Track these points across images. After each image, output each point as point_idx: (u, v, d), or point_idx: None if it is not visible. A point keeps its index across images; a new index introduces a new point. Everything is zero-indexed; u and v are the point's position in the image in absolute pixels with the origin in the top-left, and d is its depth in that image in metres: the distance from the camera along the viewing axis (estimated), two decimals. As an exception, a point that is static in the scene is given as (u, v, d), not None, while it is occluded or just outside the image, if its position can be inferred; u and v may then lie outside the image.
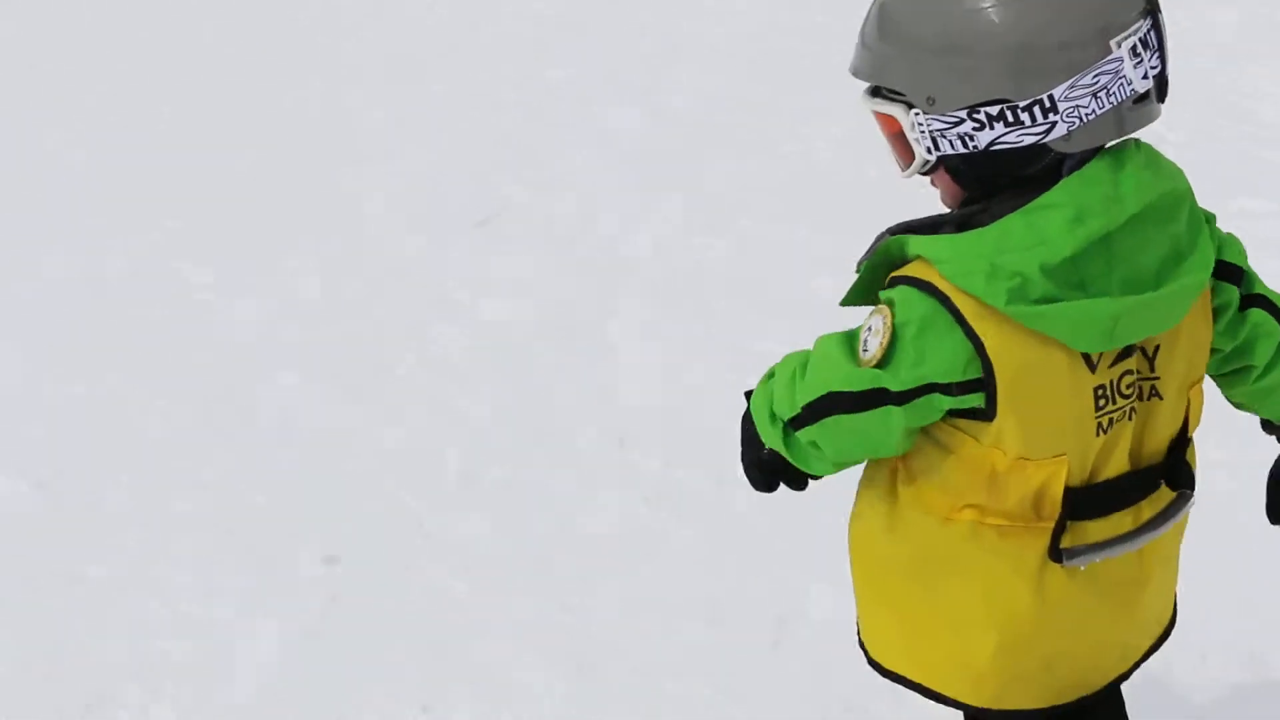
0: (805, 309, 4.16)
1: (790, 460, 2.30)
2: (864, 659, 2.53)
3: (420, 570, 4.05)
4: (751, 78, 7.01)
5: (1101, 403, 2.14)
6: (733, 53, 7.33)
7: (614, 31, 7.83)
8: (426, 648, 3.77)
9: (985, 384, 2.08)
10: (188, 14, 8.50)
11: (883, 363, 2.09)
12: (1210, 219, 2.23)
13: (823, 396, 2.16)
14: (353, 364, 5.05)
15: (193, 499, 4.40)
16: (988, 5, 2.00)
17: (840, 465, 2.27)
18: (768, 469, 2.37)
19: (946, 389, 2.09)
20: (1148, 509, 2.28)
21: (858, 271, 2.21)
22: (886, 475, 2.31)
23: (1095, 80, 1.99)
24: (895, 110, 2.11)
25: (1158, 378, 2.20)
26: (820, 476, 2.34)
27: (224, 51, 7.92)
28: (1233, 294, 2.26)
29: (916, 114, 2.07)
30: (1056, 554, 2.23)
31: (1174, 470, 2.29)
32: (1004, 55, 1.99)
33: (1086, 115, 2.00)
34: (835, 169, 6.09)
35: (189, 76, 7.64)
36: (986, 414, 2.11)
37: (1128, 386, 2.16)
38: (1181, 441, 2.29)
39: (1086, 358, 2.10)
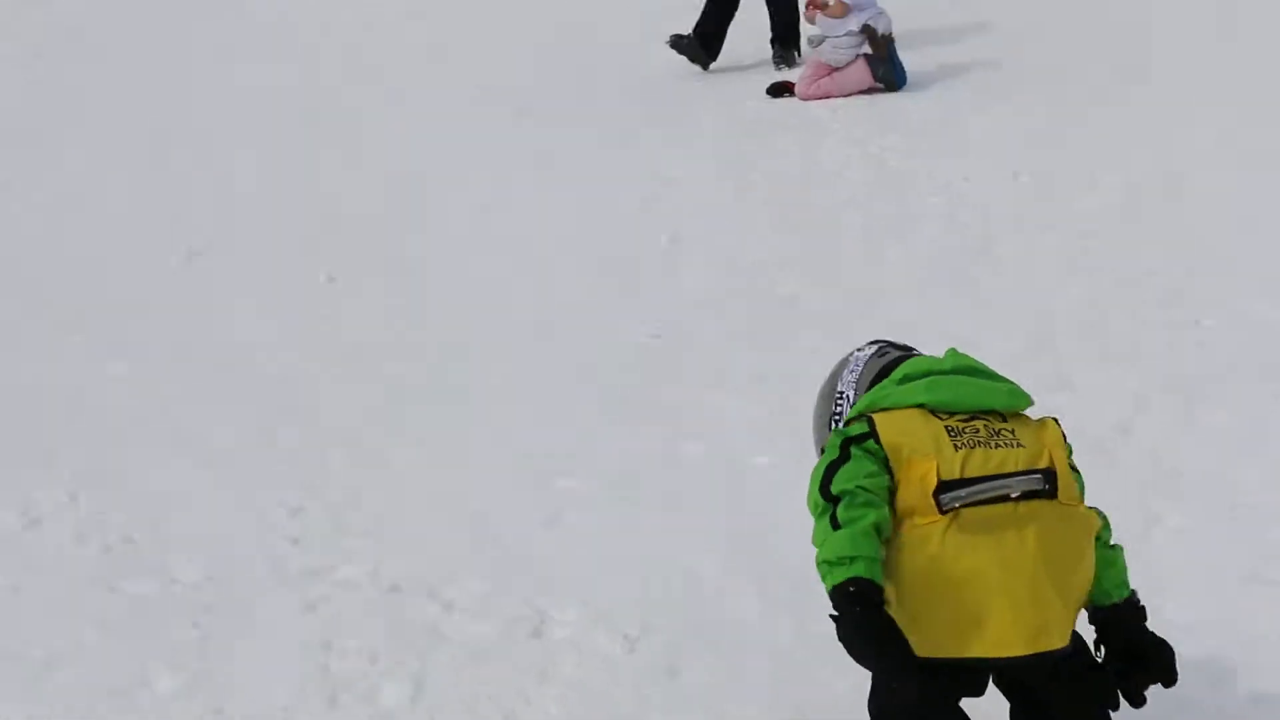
0: None
1: (864, 572, 3.47)
2: None
3: None
4: None
5: (953, 434, 3.62)
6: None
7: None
8: None
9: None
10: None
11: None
12: None
13: (822, 481, 3.64)
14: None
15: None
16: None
17: (874, 499, 3.56)
18: (869, 629, 3.48)
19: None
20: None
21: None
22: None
23: None
24: None
25: (1013, 431, 3.67)
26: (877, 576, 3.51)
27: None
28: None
29: None
30: (937, 502, 3.55)
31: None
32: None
33: None
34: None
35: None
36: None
37: (972, 431, 3.63)
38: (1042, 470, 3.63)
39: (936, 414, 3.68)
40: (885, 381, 3.81)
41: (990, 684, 3.79)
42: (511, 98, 11.41)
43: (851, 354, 4.02)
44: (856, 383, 3.91)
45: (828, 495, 3.63)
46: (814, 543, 3.65)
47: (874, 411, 3.73)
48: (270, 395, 7.05)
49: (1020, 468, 3.64)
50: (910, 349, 4.01)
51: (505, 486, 6.09)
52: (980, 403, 3.74)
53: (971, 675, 3.69)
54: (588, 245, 8.75)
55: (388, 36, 13.33)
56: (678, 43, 11.82)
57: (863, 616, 3.49)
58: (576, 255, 8.62)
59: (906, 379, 3.78)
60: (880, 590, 3.53)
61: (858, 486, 3.59)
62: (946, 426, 3.67)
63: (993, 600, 3.54)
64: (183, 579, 5.54)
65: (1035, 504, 3.62)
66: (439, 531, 5.78)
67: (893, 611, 3.55)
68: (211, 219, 9.42)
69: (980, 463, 3.61)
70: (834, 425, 3.91)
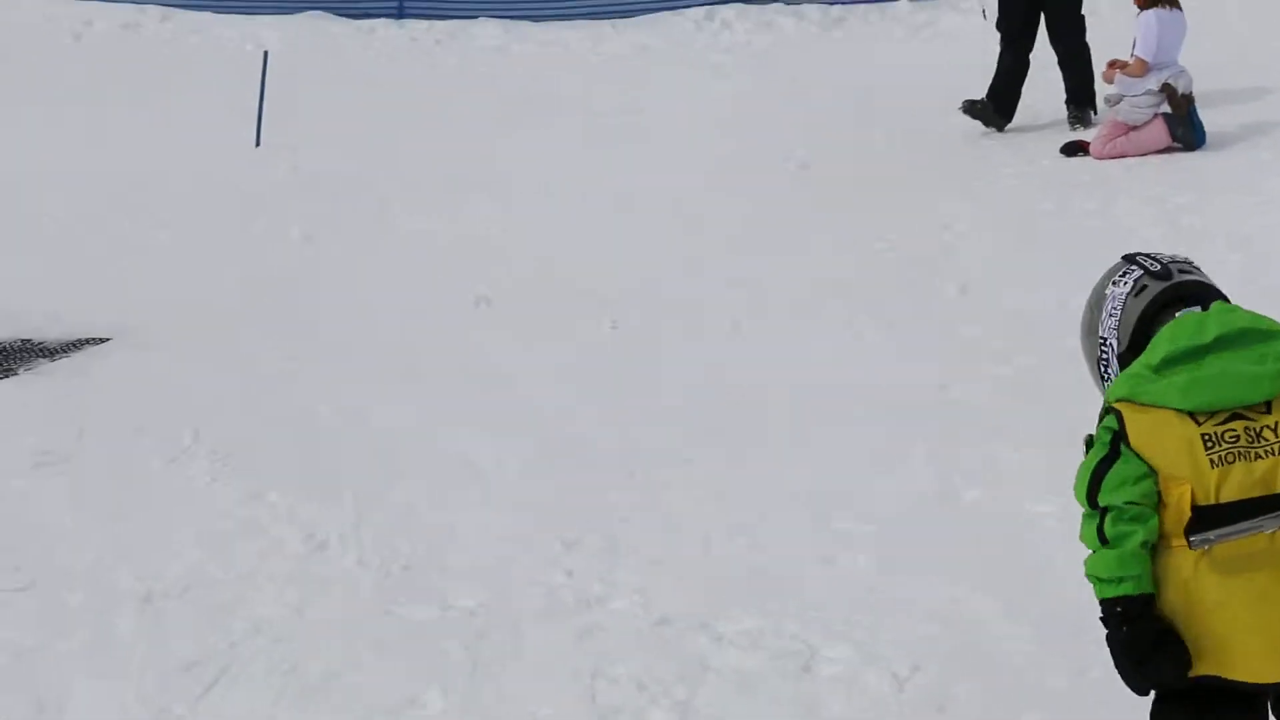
0: None
1: (1132, 590, 3.45)
2: None
3: None
4: None
5: (1209, 445, 3.47)
6: None
7: None
8: None
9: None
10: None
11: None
12: None
13: (1089, 485, 3.50)
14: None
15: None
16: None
17: (1141, 511, 3.46)
18: (1134, 648, 3.46)
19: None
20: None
21: None
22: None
23: None
24: None
25: (1275, 427, 3.48)
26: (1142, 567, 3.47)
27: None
28: None
29: None
30: (1188, 540, 3.45)
31: None
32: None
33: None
34: None
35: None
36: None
37: (1230, 438, 3.46)
38: None
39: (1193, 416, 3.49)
40: (1141, 364, 3.56)
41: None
42: (798, 160, 11.43)
43: (1107, 289, 3.72)
44: (1119, 328, 3.67)
45: (1095, 504, 3.53)
46: (1081, 539, 3.59)
47: (1129, 402, 3.53)
48: (549, 432, 7.17)
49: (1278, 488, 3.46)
50: (1168, 271, 3.69)
51: (780, 524, 6.08)
52: (1242, 399, 3.51)
53: (1246, 701, 3.56)
54: (877, 294, 8.71)
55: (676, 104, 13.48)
56: (971, 108, 11.71)
57: (1128, 635, 3.50)
58: (865, 302, 8.59)
59: (1166, 364, 3.53)
60: (1150, 600, 3.50)
61: (1126, 502, 3.49)
62: (1203, 434, 3.48)
63: (1241, 635, 3.48)
64: (458, 605, 5.67)
65: None
66: (711, 566, 5.80)
67: None
68: (501, 270, 9.61)
69: (1239, 481, 3.46)
70: (1102, 369, 3.72)
